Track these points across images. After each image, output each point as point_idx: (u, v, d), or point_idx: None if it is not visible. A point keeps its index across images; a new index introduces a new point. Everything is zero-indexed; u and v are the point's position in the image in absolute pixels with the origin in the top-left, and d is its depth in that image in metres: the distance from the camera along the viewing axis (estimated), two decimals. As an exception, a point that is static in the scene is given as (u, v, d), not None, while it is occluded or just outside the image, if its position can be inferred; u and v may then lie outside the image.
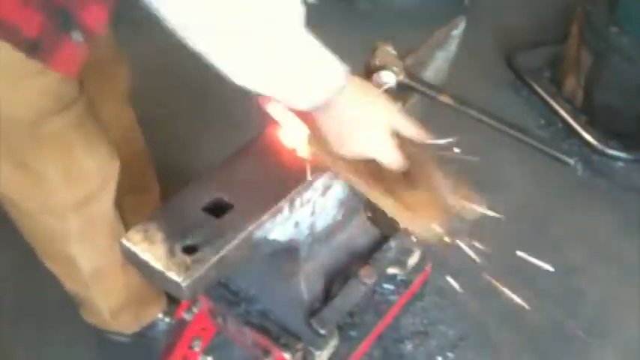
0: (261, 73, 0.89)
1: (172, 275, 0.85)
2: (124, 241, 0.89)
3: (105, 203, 1.36)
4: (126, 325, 1.61)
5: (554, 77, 2.47)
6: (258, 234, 0.95)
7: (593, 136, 2.24)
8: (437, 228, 1.01)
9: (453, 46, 1.33)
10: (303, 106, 0.95)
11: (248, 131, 1.12)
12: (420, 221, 1.02)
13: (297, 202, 1.00)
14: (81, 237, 1.33)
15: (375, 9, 2.89)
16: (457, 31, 1.35)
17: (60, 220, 1.31)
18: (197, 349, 1.35)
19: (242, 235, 0.91)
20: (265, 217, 0.94)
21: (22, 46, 1.00)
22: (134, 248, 0.89)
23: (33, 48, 1.00)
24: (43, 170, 1.23)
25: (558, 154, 1.26)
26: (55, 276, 1.49)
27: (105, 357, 1.70)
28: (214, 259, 0.88)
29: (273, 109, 1.00)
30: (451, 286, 1.86)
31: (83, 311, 1.62)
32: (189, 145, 2.13)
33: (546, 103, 2.38)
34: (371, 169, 1.01)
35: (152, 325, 1.64)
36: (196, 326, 1.30)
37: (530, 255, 1.95)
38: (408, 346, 1.76)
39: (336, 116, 0.97)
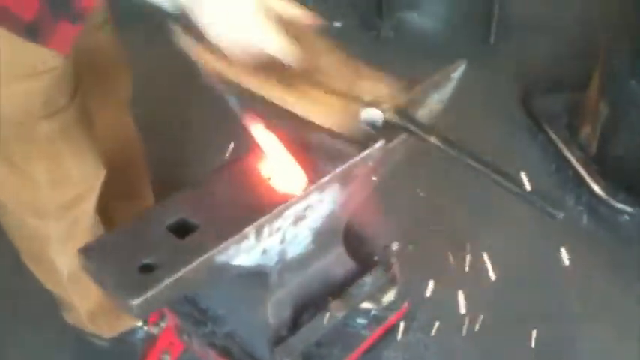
0: None
1: (122, 293, 0.86)
2: (81, 252, 0.90)
3: (87, 208, 1.39)
4: (103, 329, 1.63)
5: (571, 123, 2.44)
6: (221, 258, 0.95)
7: (602, 187, 2.21)
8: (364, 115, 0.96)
9: (449, 88, 1.32)
10: None
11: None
12: (339, 114, 0.95)
13: (265, 230, 0.99)
14: (61, 240, 1.35)
15: (398, 37, 2.90)
16: (456, 74, 1.34)
17: (42, 223, 1.33)
18: (166, 362, 1.35)
19: (202, 259, 0.91)
20: (229, 242, 0.94)
21: (22, 32, 1.03)
22: (88, 261, 0.89)
23: (32, 32, 1.03)
24: (30, 171, 1.26)
25: (547, 208, 1.24)
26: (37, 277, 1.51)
27: (84, 359, 1.72)
28: (170, 280, 0.88)
29: (257, 132, 1.00)
30: (437, 324, 1.86)
31: (64, 312, 1.64)
32: (186, 154, 2.16)
33: (558, 149, 2.36)
34: (267, 67, 0.93)
35: (130, 332, 1.65)
36: (165, 340, 1.31)
37: (523, 302, 1.95)
38: (387, 381, 1.74)
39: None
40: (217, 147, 1.21)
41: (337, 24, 2.74)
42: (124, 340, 1.67)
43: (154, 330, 1.29)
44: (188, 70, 1.00)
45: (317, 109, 0.95)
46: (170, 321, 1.23)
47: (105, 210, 1.50)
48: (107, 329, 1.65)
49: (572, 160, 2.30)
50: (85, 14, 1.07)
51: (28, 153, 1.24)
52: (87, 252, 0.91)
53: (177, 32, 0.95)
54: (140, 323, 1.64)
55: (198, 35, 0.94)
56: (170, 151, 2.18)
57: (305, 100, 0.95)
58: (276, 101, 0.97)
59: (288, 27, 0.94)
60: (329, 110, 0.96)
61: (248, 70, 0.94)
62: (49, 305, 1.65)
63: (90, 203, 1.40)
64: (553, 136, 2.38)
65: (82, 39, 1.12)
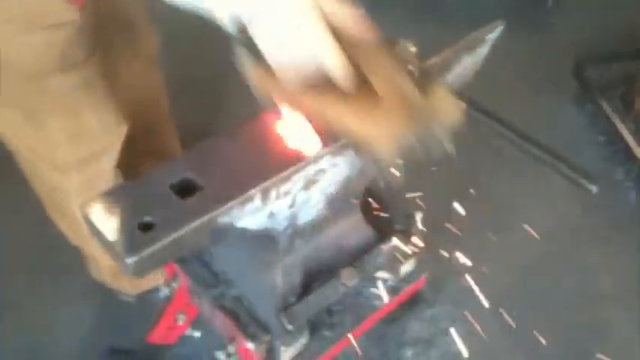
0: None
1: (120, 250, 0.84)
2: (84, 207, 0.89)
3: (106, 165, 1.38)
4: (125, 286, 1.64)
5: (626, 95, 2.30)
6: (224, 220, 0.92)
7: (654, 163, 2.09)
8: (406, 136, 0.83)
9: (483, 51, 1.24)
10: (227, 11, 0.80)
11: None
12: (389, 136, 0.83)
13: (273, 193, 0.96)
14: (81, 194, 1.35)
15: (457, 9, 2.79)
16: (492, 35, 1.25)
17: (62, 176, 1.34)
18: (181, 322, 1.35)
19: (202, 219, 0.88)
20: (232, 204, 0.91)
21: None
22: (91, 216, 0.88)
23: None
24: (49, 124, 1.26)
25: (580, 179, 1.16)
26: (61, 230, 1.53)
27: (110, 313, 1.74)
28: (168, 240, 0.86)
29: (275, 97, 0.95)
30: (467, 297, 1.80)
31: (90, 267, 1.66)
32: (214, 110, 2.14)
33: (609, 121, 2.23)
34: (322, 88, 0.83)
35: (154, 291, 1.66)
36: (180, 301, 1.30)
37: (556, 281, 1.88)
38: (408, 353, 1.71)
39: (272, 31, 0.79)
40: (245, 108, 1.17)
41: None
42: (146, 298, 1.68)
43: (165, 291, 1.29)
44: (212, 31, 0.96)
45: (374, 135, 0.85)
46: (182, 281, 1.22)
47: (133, 166, 1.50)
48: (129, 287, 1.67)
49: (624, 132, 2.18)
50: None
51: (44, 105, 1.23)
52: (88, 207, 0.90)
53: (241, 55, 0.88)
54: (162, 282, 1.65)
55: (257, 55, 0.85)
56: (198, 111, 2.16)
57: (364, 125, 0.85)
58: (335, 124, 0.87)
59: (343, 38, 0.83)
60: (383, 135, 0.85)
61: (302, 93, 0.86)
62: (74, 260, 1.67)
63: (110, 158, 1.40)
64: (605, 107, 2.25)
65: None
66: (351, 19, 0.84)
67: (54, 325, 1.73)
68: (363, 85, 0.85)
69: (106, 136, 1.34)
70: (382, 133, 0.84)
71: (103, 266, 1.57)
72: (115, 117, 1.34)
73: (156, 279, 1.64)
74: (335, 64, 0.83)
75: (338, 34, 0.83)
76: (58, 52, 1.16)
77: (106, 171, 1.39)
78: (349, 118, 0.85)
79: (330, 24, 0.82)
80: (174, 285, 1.25)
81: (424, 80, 0.92)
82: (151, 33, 1.52)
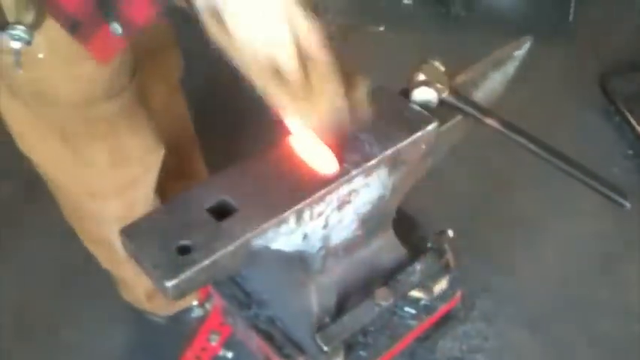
0: None
1: (159, 273, 0.85)
2: (123, 232, 0.90)
3: (146, 189, 1.39)
4: (160, 307, 1.65)
5: (653, 106, 2.29)
6: (259, 242, 0.92)
7: (683, 176, 2.06)
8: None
9: (511, 68, 1.24)
10: None
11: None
12: (306, 111, 0.94)
13: (306, 214, 0.97)
14: (120, 221, 1.36)
15: (470, 14, 2.80)
16: (520, 52, 1.26)
17: (102, 204, 1.35)
18: (214, 343, 1.35)
19: (239, 242, 0.89)
20: (267, 225, 0.92)
21: (63, 23, 1.02)
22: (129, 240, 0.89)
23: (73, 28, 1.02)
24: (90, 153, 1.27)
25: (613, 196, 1.15)
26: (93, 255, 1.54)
27: (141, 335, 1.75)
28: (206, 262, 0.87)
29: (289, 122, 0.97)
30: (499, 314, 1.79)
31: (121, 290, 1.68)
32: (238, 133, 2.15)
33: (637, 133, 2.21)
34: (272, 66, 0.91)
35: (186, 311, 1.67)
36: (214, 321, 1.31)
37: (588, 291, 1.85)
38: (441, 371, 1.70)
39: None
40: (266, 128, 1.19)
41: (381, 28, 2.67)
42: (179, 318, 1.69)
43: (198, 311, 1.30)
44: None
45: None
46: (216, 302, 1.22)
47: (161, 190, 1.51)
48: (164, 307, 1.68)
49: (651, 145, 2.16)
50: (132, 28, 1.02)
51: (88, 135, 1.25)
52: (127, 231, 0.91)
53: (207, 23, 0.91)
54: (195, 302, 1.66)
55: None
56: (221, 133, 2.18)
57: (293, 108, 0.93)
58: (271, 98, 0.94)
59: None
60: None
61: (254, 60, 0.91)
62: (103, 283, 1.69)
63: (149, 183, 1.41)
64: (631, 119, 2.24)
65: None
66: (310, 33, 0.89)
67: (85, 348, 1.74)
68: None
69: (145, 159, 1.35)
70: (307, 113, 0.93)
71: (139, 289, 1.58)
72: (154, 140, 1.35)
73: (190, 299, 1.66)
74: (287, 59, 0.88)
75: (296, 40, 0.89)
76: (107, 81, 1.17)
77: (144, 196, 1.40)
78: (284, 96, 0.92)
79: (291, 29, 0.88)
80: (208, 306, 1.26)
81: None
82: (177, 57, 1.54)
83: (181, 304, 1.66)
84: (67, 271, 1.86)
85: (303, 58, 0.91)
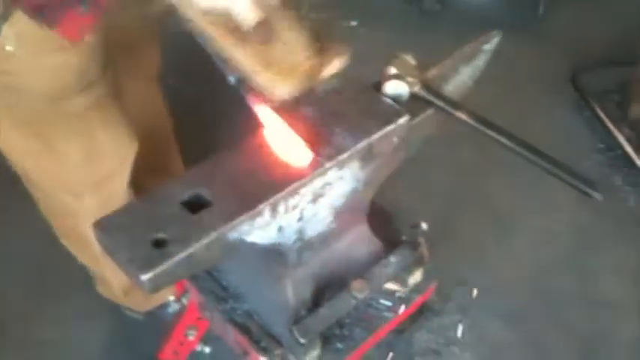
0: None
1: (134, 267, 0.85)
2: (97, 226, 0.90)
3: (120, 183, 1.39)
4: (137, 303, 1.65)
5: (622, 101, 2.33)
6: (234, 235, 0.93)
7: (653, 168, 2.11)
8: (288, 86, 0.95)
9: (481, 62, 1.26)
10: None
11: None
12: (271, 77, 0.95)
13: (281, 207, 0.98)
14: (95, 216, 1.36)
15: (443, 9, 2.83)
16: (489, 46, 1.28)
17: (76, 198, 1.35)
18: (192, 337, 1.36)
19: (214, 235, 0.90)
20: (242, 218, 0.93)
21: (31, 13, 1.02)
22: (104, 235, 0.89)
23: (39, 14, 1.02)
24: (65, 149, 1.27)
25: (584, 187, 1.18)
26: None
27: (118, 331, 1.75)
28: (181, 256, 0.87)
29: (261, 110, 0.98)
30: (475, 306, 1.82)
31: (98, 286, 1.67)
32: (215, 127, 2.15)
33: (607, 128, 2.26)
34: (225, 19, 0.93)
35: (163, 306, 1.67)
36: (191, 316, 1.31)
37: (561, 283, 1.89)
38: (418, 363, 1.72)
39: None
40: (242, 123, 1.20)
41: (353, 23, 2.69)
42: (156, 314, 1.69)
43: (174, 306, 1.30)
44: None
45: (257, 70, 0.95)
46: (193, 296, 1.23)
47: (136, 185, 1.51)
48: (141, 303, 1.68)
49: (621, 138, 2.20)
50: (98, 7, 1.04)
51: (61, 129, 1.24)
52: (101, 225, 0.91)
53: None
54: (172, 298, 1.66)
55: None
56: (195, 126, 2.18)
57: (250, 57, 0.95)
58: (223, 49, 0.96)
59: None
60: (267, 74, 0.95)
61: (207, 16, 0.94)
62: (80, 279, 1.68)
63: (123, 177, 1.41)
64: (601, 114, 2.28)
65: (109, 16, 1.11)
66: None
67: (62, 345, 1.73)
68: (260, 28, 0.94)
69: (119, 154, 1.35)
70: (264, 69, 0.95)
71: (115, 284, 1.58)
72: (127, 134, 1.35)
73: (167, 294, 1.66)
74: (242, 9, 0.90)
75: None
76: (77, 72, 1.17)
77: (119, 191, 1.40)
78: (240, 50, 0.94)
79: None
80: (185, 300, 1.26)
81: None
82: (154, 53, 1.54)
83: (158, 300, 1.66)
84: (43, 269, 1.85)
85: (267, 15, 0.92)
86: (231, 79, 0.97)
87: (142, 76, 1.52)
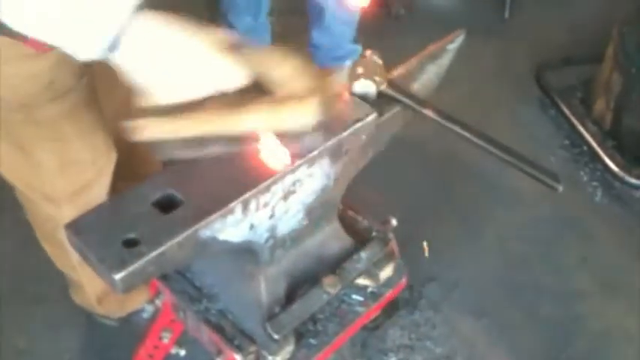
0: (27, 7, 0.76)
1: (106, 267, 0.86)
2: (67, 228, 0.90)
3: (99, 192, 1.39)
4: (111, 310, 1.64)
5: (585, 98, 2.39)
6: (206, 234, 0.94)
7: (617, 163, 2.16)
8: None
9: (446, 60, 1.29)
10: (91, 52, 0.81)
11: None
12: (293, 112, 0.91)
13: (252, 204, 0.99)
14: None
15: (410, 13, 2.87)
16: (453, 45, 1.31)
17: (56, 208, 1.34)
18: (167, 341, 1.36)
19: (186, 233, 0.91)
20: (213, 217, 0.94)
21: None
22: (74, 236, 0.90)
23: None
24: (39, 157, 1.26)
25: (547, 180, 1.21)
26: (50, 257, 1.53)
27: (92, 338, 1.74)
28: (153, 255, 0.88)
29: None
30: (446, 302, 1.85)
31: (73, 293, 1.66)
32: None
33: (573, 124, 2.31)
34: (223, 101, 0.88)
35: (137, 313, 1.66)
36: (165, 319, 1.31)
37: (530, 276, 1.93)
38: (392, 359, 1.74)
39: (143, 52, 0.82)
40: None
41: None
42: (130, 320, 1.68)
43: (148, 308, 1.30)
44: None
45: (279, 117, 0.91)
46: (166, 298, 1.23)
47: (116, 191, 1.50)
48: (115, 310, 1.67)
49: (586, 134, 2.26)
50: None
51: (36, 137, 1.23)
52: (73, 227, 0.91)
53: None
54: (146, 304, 1.66)
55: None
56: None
57: (266, 113, 0.91)
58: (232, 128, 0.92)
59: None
60: (291, 113, 0.92)
61: (198, 113, 0.89)
62: (55, 286, 1.67)
63: (102, 187, 1.39)
64: (566, 111, 2.33)
65: None
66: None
67: (35, 354, 1.72)
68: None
69: (96, 164, 1.34)
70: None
71: (90, 291, 1.57)
72: (105, 144, 1.34)
73: (141, 300, 1.66)
74: (236, 78, 0.86)
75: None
76: (47, 80, 1.15)
77: (98, 200, 1.39)
78: (246, 116, 0.90)
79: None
80: (158, 302, 1.26)
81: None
82: None
83: (133, 306, 1.66)
84: (17, 277, 1.83)
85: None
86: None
87: (120, 85, 1.51)
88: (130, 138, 0.90)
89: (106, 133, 1.35)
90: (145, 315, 1.68)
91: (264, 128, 0.92)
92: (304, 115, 0.92)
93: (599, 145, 2.23)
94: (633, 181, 2.13)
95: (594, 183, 2.21)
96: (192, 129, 0.90)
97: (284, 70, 0.91)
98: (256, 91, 0.90)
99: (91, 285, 1.56)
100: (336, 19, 2.19)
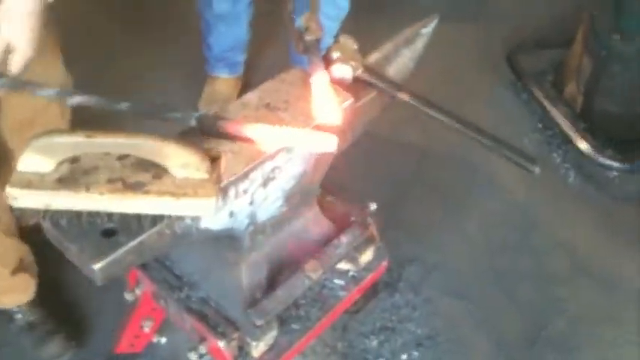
0: None
1: (85, 257, 0.85)
2: (44, 220, 0.90)
3: None
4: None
5: (556, 81, 2.42)
6: (185, 222, 0.94)
7: (589, 144, 2.20)
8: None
9: (420, 45, 1.30)
10: None
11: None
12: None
13: (231, 192, 0.99)
14: None
15: (397, 1, 2.86)
16: (427, 30, 1.31)
17: None
18: (147, 329, 1.36)
19: (164, 222, 0.91)
20: (193, 204, 0.94)
21: None
22: (52, 228, 0.89)
23: None
24: None
25: (522, 162, 1.23)
26: None
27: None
28: (132, 244, 0.88)
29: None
30: (426, 284, 1.86)
31: None
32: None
33: (544, 107, 2.34)
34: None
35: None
36: (146, 307, 1.31)
37: (510, 260, 1.96)
38: (373, 342, 1.75)
39: None
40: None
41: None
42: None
43: (128, 297, 1.29)
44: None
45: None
46: (147, 287, 1.23)
47: None
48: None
49: (558, 117, 2.29)
50: None
51: None
52: (50, 219, 0.91)
53: None
54: (16, 308, 1.60)
55: None
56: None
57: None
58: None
59: None
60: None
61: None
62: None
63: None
64: (538, 94, 2.36)
65: None
66: None
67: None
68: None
69: None
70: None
71: None
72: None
73: (19, 299, 1.60)
74: None
75: None
76: None
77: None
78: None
79: None
80: (138, 291, 1.26)
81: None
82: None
83: (10, 302, 1.59)
84: None
85: None
86: (193, 122, 0.97)
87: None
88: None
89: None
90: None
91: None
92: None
93: (571, 127, 2.26)
94: (605, 161, 2.17)
95: (567, 165, 2.24)
96: (67, 203, 0.88)
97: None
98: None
99: None
100: (322, 15, 2.16)
